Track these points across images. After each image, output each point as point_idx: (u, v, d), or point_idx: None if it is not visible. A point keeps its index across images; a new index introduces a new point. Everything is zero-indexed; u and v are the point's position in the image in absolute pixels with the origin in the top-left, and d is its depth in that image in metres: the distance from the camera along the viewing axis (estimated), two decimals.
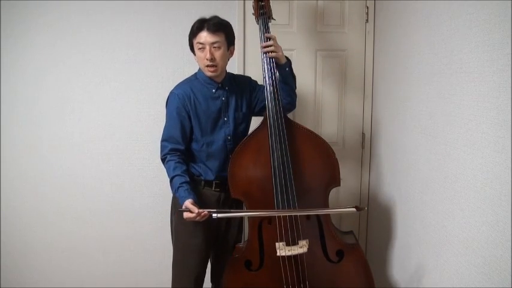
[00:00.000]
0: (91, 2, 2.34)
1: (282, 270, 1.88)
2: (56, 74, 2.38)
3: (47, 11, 2.32)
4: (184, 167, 1.85)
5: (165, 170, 1.87)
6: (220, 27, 1.83)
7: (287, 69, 1.92)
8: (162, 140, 1.90)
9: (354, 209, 1.73)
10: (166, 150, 1.87)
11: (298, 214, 1.85)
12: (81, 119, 2.43)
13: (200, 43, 1.82)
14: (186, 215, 1.74)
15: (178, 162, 1.85)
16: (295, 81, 2.00)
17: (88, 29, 2.37)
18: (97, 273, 2.55)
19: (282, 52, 1.91)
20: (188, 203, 1.73)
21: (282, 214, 1.84)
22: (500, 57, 1.28)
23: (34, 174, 2.44)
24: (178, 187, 1.78)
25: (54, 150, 2.44)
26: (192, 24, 1.86)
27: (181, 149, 1.88)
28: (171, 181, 1.83)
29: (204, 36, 1.81)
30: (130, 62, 2.41)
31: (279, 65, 1.90)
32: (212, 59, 1.81)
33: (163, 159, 1.89)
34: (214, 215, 1.70)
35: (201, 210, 1.71)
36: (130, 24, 2.39)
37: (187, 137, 1.90)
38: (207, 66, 1.83)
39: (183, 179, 1.80)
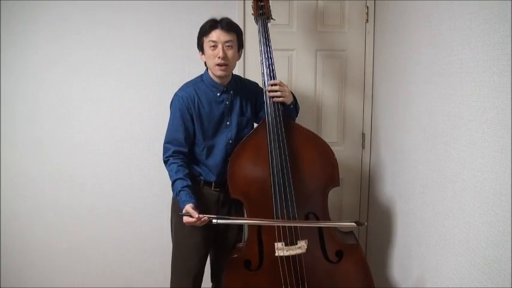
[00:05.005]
0: (91, 2, 2.34)
1: (281, 271, 1.88)
2: (56, 73, 2.38)
3: (46, 11, 2.32)
4: (186, 171, 1.84)
5: (165, 170, 1.87)
6: (233, 27, 1.85)
7: (291, 106, 1.92)
8: (165, 142, 1.89)
9: (354, 224, 1.73)
10: (169, 153, 1.86)
11: (298, 225, 1.85)
12: (81, 118, 2.43)
13: (213, 41, 1.81)
14: (186, 219, 1.72)
15: (181, 165, 1.83)
16: (297, 111, 2.00)
17: (88, 29, 2.37)
18: (97, 273, 2.55)
19: (289, 92, 1.90)
20: (189, 207, 1.72)
21: (281, 224, 1.84)
22: (500, 57, 1.28)
23: (34, 174, 2.44)
24: (180, 191, 1.77)
25: (54, 150, 2.44)
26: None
27: (184, 151, 1.87)
28: (172, 184, 1.81)
29: (218, 34, 1.81)
30: (130, 62, 2.41)
31: (284, 105, 1.88)
32: (225, 57, 1.81)
33: (165, 161, 1.87)
34: (214, 220, 1.70)
35: (201, 216, 1.70)
36: (131, 24, 2.39)
37: (191, 139, 1.89)
38: (218, 64, 1.82)
39: (184, 183, 1.79)
